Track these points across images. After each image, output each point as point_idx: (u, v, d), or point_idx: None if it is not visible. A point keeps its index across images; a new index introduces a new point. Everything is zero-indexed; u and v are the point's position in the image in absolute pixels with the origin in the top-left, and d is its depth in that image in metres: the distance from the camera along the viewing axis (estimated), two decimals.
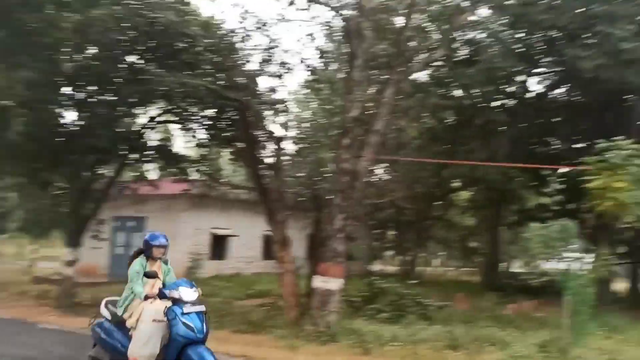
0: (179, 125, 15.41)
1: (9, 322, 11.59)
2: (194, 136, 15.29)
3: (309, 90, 19.76)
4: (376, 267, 29.68)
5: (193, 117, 14.50)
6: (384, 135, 12.29)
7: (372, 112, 11.84)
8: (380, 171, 20.56)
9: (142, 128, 15.00)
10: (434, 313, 12.61)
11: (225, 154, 17.58)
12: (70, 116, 14.31)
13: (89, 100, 13.58)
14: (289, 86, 52.46)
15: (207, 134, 14.83)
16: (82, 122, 13.88)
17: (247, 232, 22.74)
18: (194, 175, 16.74)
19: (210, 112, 13.87)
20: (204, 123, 14.48)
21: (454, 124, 21.20)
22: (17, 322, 11.54)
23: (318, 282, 10.61)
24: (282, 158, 12.95)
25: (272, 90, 12.94)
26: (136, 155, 15.51)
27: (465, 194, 26.76)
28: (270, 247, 19.22)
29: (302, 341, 9.73)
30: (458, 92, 19.58)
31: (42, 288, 16.32)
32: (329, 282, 10.51)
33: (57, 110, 13.92)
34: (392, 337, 9.74)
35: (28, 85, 11.59)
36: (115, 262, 20.62)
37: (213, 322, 7.66)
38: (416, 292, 13.49)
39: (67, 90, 13.44)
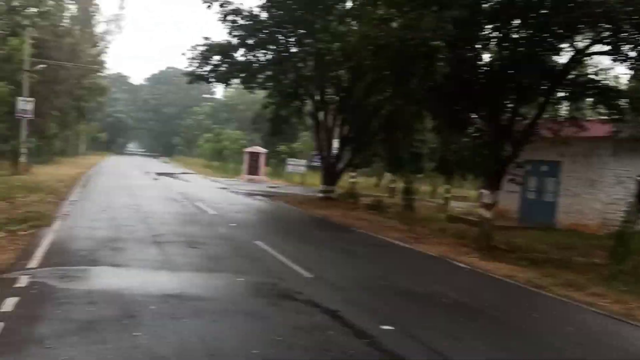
0: (612, 56, 13.16)
1: (436, 260, 11.96)
2: (633, 68, 13.37)
3: None
4: None
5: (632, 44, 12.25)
6: None
7: None
8: None
9: (569, 62, 13.62)
10: None
11: None
12: (489, 54, 14.45)
13: (510, 36, 13.39)
14: None
15: None
16: (503, 60, 13.65)
17: None
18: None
19: None
20: None
21: None
22: (442, 261, 11.87)
23: None
24: None
25: None
26: (561, 93, 14.69)
27: None
28: None
29: None
30: None
31: (457, 227, 16.68)
32: None
33: (478, 49, 14.08)
34: None
35: (455, 24, 11.94)
36: (525, 207, 20.12)
37: None
38: None
39: (488, 27, 13.53)
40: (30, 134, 30.91)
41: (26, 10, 31.36)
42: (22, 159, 26.88)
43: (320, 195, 24.65)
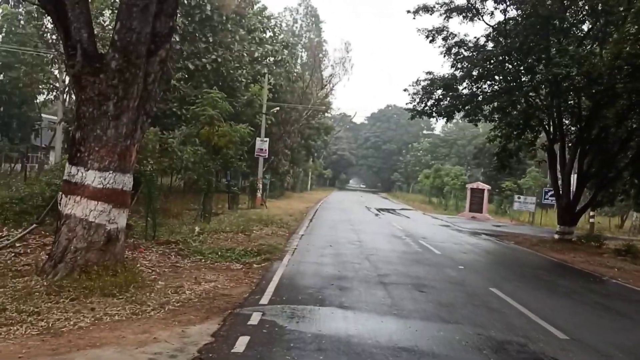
0: None
1: None
2: None
3: None
4: None
5: None
6: None
7: None
8: None
9: None
10: None
11: None
12: None
13: None
14: None
15: None
16: None
17: None
18: None
19: None
20: None
21: None
22: None
23: None
24: None
25: None
26: None
27: None
28: None
29: None
30: None
31: None
32: None
33: None
34: None
35: None
36: None
37: None
38: None
39: None
40: (266, 171, 33.70)
41: (265, 60, 34.53)
42: (259, 194, 29.24)
43: (557, 236, 22.11)
